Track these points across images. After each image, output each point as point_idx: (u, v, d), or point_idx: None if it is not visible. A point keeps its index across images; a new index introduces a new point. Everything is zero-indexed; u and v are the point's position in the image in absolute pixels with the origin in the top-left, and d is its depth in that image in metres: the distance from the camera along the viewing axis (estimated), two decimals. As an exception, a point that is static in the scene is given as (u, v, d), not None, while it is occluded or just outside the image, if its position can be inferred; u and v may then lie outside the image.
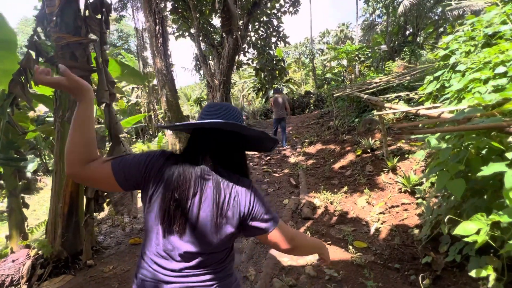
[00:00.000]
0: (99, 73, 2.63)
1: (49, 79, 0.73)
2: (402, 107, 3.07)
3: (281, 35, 14.08)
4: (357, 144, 5.22)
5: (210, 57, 14.23)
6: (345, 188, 3.89)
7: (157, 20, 5.80)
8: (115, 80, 3.43)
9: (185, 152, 0.86)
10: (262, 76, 15.71)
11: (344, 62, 15.56)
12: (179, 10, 11.82)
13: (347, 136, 5.93)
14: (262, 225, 0.83)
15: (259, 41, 14.48)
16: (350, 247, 2.55)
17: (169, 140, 6.41)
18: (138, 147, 7.23)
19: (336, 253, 2.58)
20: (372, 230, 2.95)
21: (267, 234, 0.84)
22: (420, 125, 3.25)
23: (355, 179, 4.14)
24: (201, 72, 14.32)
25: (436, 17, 17.70)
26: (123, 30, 22.02)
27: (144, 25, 6.14)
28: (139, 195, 4.16)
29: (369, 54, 13.59)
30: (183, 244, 0.78)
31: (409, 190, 3.30)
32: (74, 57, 2.53)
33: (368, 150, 4.73)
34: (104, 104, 2.65)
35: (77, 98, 0.76)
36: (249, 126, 0.87)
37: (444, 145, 2.15)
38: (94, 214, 3.21)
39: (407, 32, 17.74)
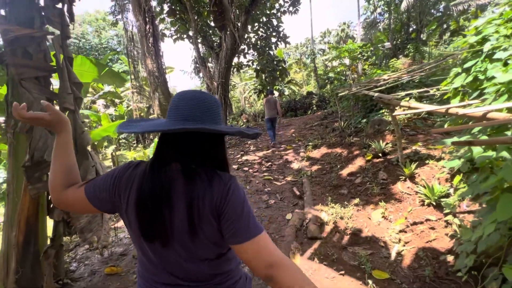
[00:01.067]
0: (60, 73, 2.16)
1: (32, 114, 0.74)
2: (425, 106, 2.55)
3: (281, 35, 13.67)
4: (366, 147, 4.70)
5: (210, 59, 13.84)
6: (357, 200, 3.37)
7: (147, 19, 5.36)
8: (83, 82, 2.97)
9: (153, 157, 0.77)
10: (263, 77, 15.28)
11: (347, 61, 15.04)
12: (177, 12, 11.47)
13: (355, 139, 5.41)
14: (236, 230, 0.69)
15: (259, 42, 14.07)
16: (370, 281, 2.04)
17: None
18: (130, 155, 6.74)
19: (351, 287, 2.07)
20: (393, 254, 2.42)
21: (239, 245, 0.69)
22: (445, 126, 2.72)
23: (367, 188, 3.62)
24: (201, 75, 13.92)
25: (439, 13, 17.12)
26: (123, 35, 21.74)
27: (134, 24, 5.71)
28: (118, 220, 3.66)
29: (373, 51, 13.08)
30: (168, 255, 0.72)
31: (434, 203, 2.77)
32: (27, 54, 2.06)
33: (380, 155, 4.21)
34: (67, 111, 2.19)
35: (56, 130, 0.80)
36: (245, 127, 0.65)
37: (492, 154, 1.64)
38: (65, 238, 2.76)
39: (410, 29, 17.19)
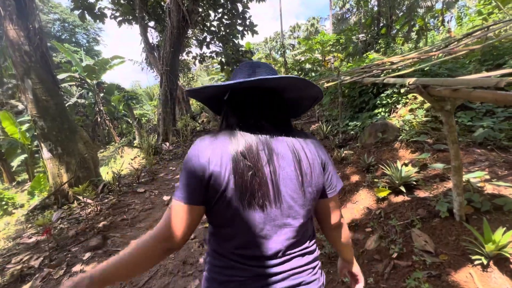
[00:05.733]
0: None
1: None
2: None
3: (247, 23, 11.68)
4: (372, 171, 2.79)
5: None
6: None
7: None
8: None
9: (235, 122, 0.67)
10: (229, 70, 13.11)
11: (318, 55, 13.40)
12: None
13: (346, 152, 3.49)
14: (333, 178, 0.71)
15: (222, 29, 11.88)
16: None
17: (48, 170, 3.54)
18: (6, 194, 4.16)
19: None
20: None
21: (332, 196, 0.71)
22: None
23: (397, 274, 1.68)
24: (153, 65, 11.28)
25: (405, 11, 16.17)
26: (66, 19, 17.67)
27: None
28: None
29: (347, 43, 11.60)
30: (273, 218, 0.64)
31: None
32: None
33: (401, 188, 2.31)
34: None
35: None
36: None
37: None
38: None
39: (381, 25, 16.13)
